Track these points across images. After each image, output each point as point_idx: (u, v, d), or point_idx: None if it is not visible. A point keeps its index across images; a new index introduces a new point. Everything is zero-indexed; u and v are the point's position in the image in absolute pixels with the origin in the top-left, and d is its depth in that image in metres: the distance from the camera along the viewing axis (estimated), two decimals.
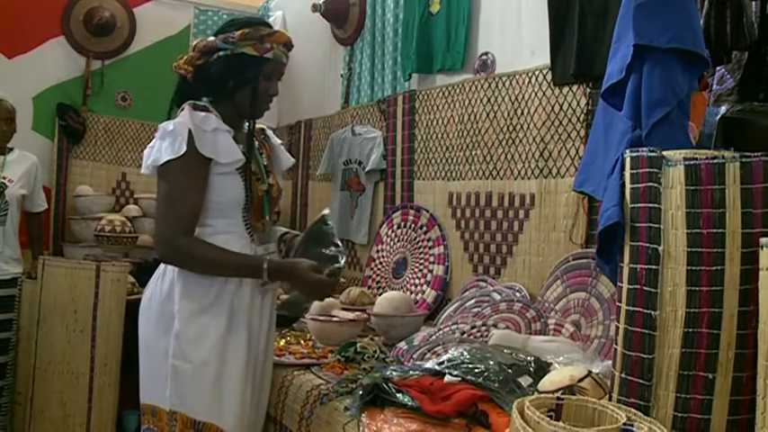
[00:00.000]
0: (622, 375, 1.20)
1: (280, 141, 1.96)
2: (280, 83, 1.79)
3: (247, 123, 1.78)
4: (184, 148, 1.58)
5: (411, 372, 1.61)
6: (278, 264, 1.67)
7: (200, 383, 1.62)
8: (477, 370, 1.51)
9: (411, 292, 2.70)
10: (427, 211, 2.78)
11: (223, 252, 1.63)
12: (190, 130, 1.59)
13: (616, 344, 1.24)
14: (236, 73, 1.68)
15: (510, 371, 1.52)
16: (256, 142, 1.80)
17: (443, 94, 2.72)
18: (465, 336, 1.98)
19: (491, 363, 1.54)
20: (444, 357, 1.63)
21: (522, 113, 2.32)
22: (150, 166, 1.65)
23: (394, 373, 1.60)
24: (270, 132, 1.93)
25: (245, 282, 1.67)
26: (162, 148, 1.61)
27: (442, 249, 2.67)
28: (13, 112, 3.21)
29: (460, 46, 2.62)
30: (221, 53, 1.66)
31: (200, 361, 1.62)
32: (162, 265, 1.73)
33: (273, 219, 1.81)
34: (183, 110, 1.66)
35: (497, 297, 2.20)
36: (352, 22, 3.40)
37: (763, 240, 1.04)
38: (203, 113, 1.64)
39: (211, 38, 1.70)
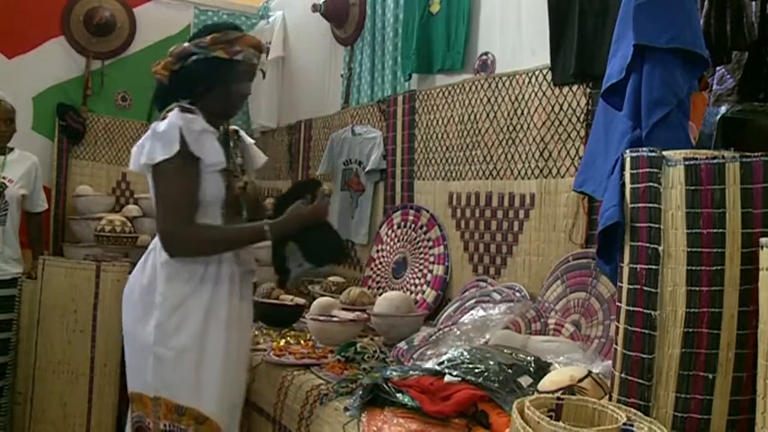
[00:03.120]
0: (622, 375, 1.20)
1: (252, 141, 2.11)
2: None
3: (223, 124, 1.91)
4: (177, 148, 1.67)
5: (411, 372, 1.61)
6: (275, 222, 1.79)
7: (181, 369, 1.72)
8: (477, 370, 1.51)
9: (411, 292, 2.70)
10: (427, 211, 2.78)
11: (228, 229, 1.79)
12: (181, 131, 1.68)
13: (616, 344, 1.24)
14: (209, 76, 1.79)
15: (510, 371, 1.52)
16: (231, 142, 1.92)
17: (443, 94, 2.72)
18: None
19: (491, 363, 1.54)
20: (444, 357, 1.63)
21: (522, 113, 2.32)
22: (142, 165, 1.72)
23: (394, 374, 1.60)
24: (242, 133, 2.05)
25: (223, 271, 1.78)
26: (156, 148, 1.69)
27: (442, 249, 2.67)
28: (12, 112, 3.21)
29: (460, 46, 2.62)
30: (195, 57, 1.77)
31: (180, 348, 1.71)
32: (143, 257, 1.83)
33: (256, 217, 1.91)
34: (171, 111, 1.75)
35: (497, 297, 2.20)
36: (352, 22, 3.40)
37: (763, 240, 1.04)
38: (191, 115, 1.74)
39: (186, 44, 1.81)
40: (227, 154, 1.83)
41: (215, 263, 1.77)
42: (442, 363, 1.60)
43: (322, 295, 2.69)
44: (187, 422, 1.71)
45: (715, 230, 1.10)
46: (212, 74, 1.78)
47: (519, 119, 2.33)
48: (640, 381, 1.16)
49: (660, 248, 1.15)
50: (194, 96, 1.80)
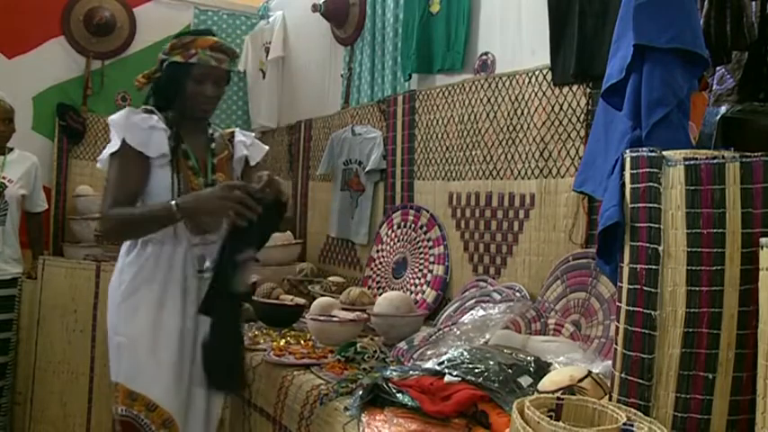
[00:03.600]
0: (622, 375, 1.20)
1: (252, 135, 2.17)
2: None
3: (202, 124, 2.00)
4: (119, 143, 1.81)
5: (411, 372, 1.61)
6: (183, 198, 1.77)
7: (134, 356, 1.79)
8: (477, 370, 1.51)
9: (411, 292, 2.70)
10: (427, 211, 2.78)
11: (140, 208, 1.82)
12: (123, 128, 1.81)
13: (616, 344, 1.24)
14: (170, 80, 1.89)
15: (510, 371, 1.52)
16: (214, 144, 1.99)
17: (443, 94, 2.72)
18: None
19: (491, 363, 1.54)
20: (444, 357, 1.63)
21: (522, 113, 2.32)
22: (100, 161, 1.88)
23: (394, 374, 1.60)
24: (240, 135, 2.11)
25: (176, 262, 1.83)
26: (108, 146, 1.85)
27: (442, 249, 2.67)
28: (11, 111, 3.21)
29: (460, 46, 2.62)
30: (164, 65, 1.90)
31: (134, 334, 1.79)
32: None
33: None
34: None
35: (497, 297, 2.20)
36: (352, 22, 3.40)
37: (763, 240, 1.04)
38: (144, 114, 1.87)
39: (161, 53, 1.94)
40: (175, 150, 1.86)
41: (168, 250, 1.83)
42: (442, 363, 1.59)
43: (322, 295, 2.69)
44: (139, 408, 1.77)
45: (715, 230, 1.10)
46: (172, 78, 1.88)
47: (519, 119, 2.33)
48: (640, 381, 1.16)
49: (660, 248, 1.15)
50: (166, 101, 1.91)
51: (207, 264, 1.87)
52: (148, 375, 1.78)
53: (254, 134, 2.19)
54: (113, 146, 1.82)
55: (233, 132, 2.11)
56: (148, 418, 1.76)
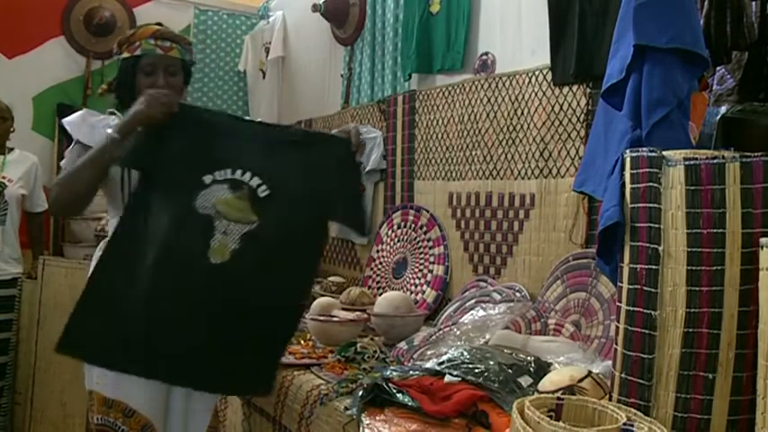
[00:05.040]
0: (622, 375, 1.20)
1: None
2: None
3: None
4: (73, 140, 1.77)
5: (411, 372, 1.61)
6: (117, 122, 1.68)
7: None
8: (477, 370, 1.51)
9: (411, 292, 2.70)
10: (427, 211, 2.78)
11: (80, 159, 1.69)
12: (73, 126, 1.77)
13: (616, 344, 1.24)
14: (121, 78, 1.83)
15: (510, 371, 1.52)
16: None
17: (443, 94, 2.72)
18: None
19: (491, 363, 1.54)
20: (444, 357, 1.63)
21: (523, 113, 2.32)
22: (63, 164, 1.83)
23: (394, 374, 1.60)
24: None
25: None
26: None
27: (442, 249, 2.68)
28: (5, 110, 3.21)
29: (460, 46, 2.62)
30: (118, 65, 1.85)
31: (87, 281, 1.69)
32: None
33: None
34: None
35: (497, 297, 2.20)
36: (352, 22, 3.40)
37: (763, 240, 1.04)
38: (102, 116, 1.82)
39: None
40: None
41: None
42: (442, 363, 1.59)
43: (322, 295, 2.69)
44: (115, 415, 1.70)
45: (715, 230, 1.10)
46: (122, 76, 1.83)
47: (519, 119, 2.33)
48: (640, 381, 1.17)
49: (660, 248, 1.15)
50: (126, 99, 1.80)
51: None
52: (123, 381, 1.68)
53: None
54: (71, 144, 1.79)
55: None
56: (126, 425, 1.70)
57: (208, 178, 1.64)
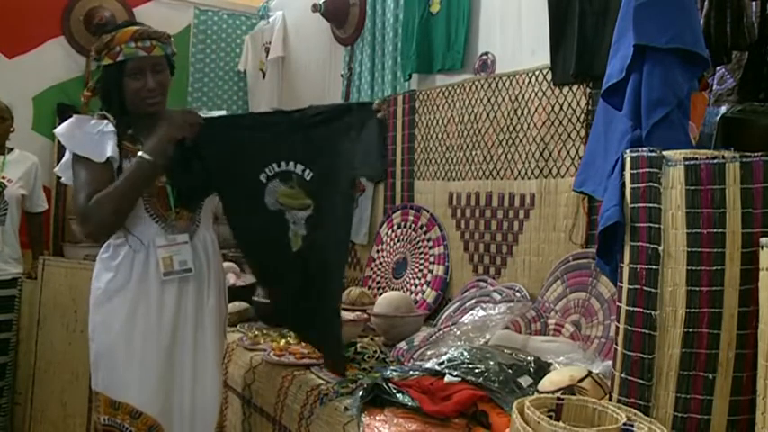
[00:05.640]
0: (622, 375, 1.20)
1: None
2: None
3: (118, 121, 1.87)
4: (69, 154, 1.78)
5: (411, 372, 1.61)
6: (148, 143, 1.71)
7: (112, 364, 1.74)
8: (477, 370, 1.51)
9: (411, 292, 2.70)
10: (427, 211, 2.78)
11: (112, 184, 1.70)
12: (64, 137, 1.78)
13: (616, 344, 1.24)
14: (108, 85, 1.82)
15: (510, 371, 1.52)
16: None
17: (443, 94, 2.72)
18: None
19: (491, 363, 1.54)
20: (444, 357, 1.63)
21: (523, 113, 2.32)
22: (58, 172, 1.86)
23: (394, 374, 1.60)
24: None
25: (150, 265, 1.77)
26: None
27: (442, 249, 2.68)
28: (5, 110, 3.20)
29: (460, 46, 2.62)
30: (98, 71, 1.85)
31: (109, 343, 1.74)
32: None
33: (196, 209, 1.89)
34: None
35: (497, 297, 2.20)
36: (352, 22, 3.40)
37: (763, 240, 1.04)
38: (94, 120, 1.80)
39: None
40: (120, 151, 1.78)
41: (141, 253, 1.77)
42: (442, 363, 1.59)
43: None
44: (122, 417, 1.71)
45: (715, 230, 1.10)
46: (109, 83, 1.81)
47: (519, 119, 2.33)
48: (640, 381, 1.17)
49: (660, 248, 1.15)
50: (115, 104, 1.82)
51: (177, 266, 1.80)
52: (129, 383, 1.72)
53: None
54: (67, 157, 1.80)
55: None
56: (133, 426, 1.71)
57: (263, 177, 1.76)
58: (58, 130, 1.80)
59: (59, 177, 1.90)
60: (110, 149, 1.74)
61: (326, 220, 1.77)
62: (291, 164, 1.76)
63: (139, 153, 1.68)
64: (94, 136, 1.76)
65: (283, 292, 1.85)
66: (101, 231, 1.75)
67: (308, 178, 1.76)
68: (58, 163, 1.94)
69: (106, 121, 1.79)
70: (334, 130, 1.79)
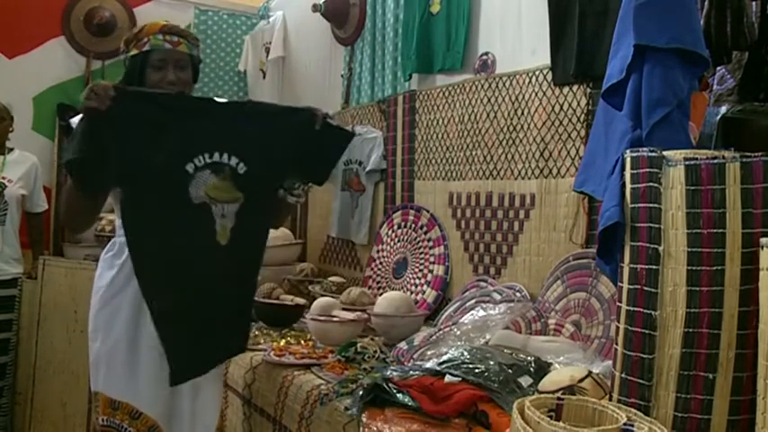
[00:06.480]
0: (622, 375, 1.20)
1: None
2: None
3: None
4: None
5: (411, 372, 1.61)
6: None
7: (113, 364, 1.72)
8: (477, 370, 1.51)
9: (411, 292, 2.70)
10: (427, 212, 2.78)
11: None
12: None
13: (616, 344, 1.24)
14: (131, 75, 1.81)
15: (510, 371, 1.52)
16: None
17: (444, 94, 2.72)
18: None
19: (491, 363, 1.54)
20: (445, 357, 1.63)
21: (523, 113, 2.32)
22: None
23: (394, 374, 1.60)
24: None
25: None
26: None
27: (443, 249, 2.68)
28: (4, 110, 3.20)
29: (461, 46, 2.62)
30: (125, 63, 1.84)
31: (111, 344, 1.72)
32: None
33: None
34: None
35: (498, 297, 2.20)
36: (353, 22, 3.40)
37: (763, 240, 1.04)
38: None
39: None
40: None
41: None
42: (442, 363, 1.60)
43: (322, 295, 2.69)
44: (122, 417, 1.70)
45: (715, 230, 1.10)
46: (132, 72, 1.81)
47: (519, 119, 2.33)
48: (640, 381, 1.17)
49: (660, 248, 1.15)
50: None
51: None
52: (129, 383, 1.71)
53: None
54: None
55: None
56: (132, 427, 1.70)
57: (190, 167, 1.67)
58: (75, 119, 1.76)
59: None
60: None
61: (254, 214, 1.75)
62: (225, 155, 1.70)
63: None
64: None
65: (197, 292, 1.71)
66: (68, 222, 1.75)
67: (241, 172, 1.72)
68: (58, 163, 1.94)
69: None
70: (279, 130, 1.77)
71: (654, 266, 1.15)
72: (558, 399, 1.17)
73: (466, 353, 1.61)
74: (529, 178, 2.29)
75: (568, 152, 2.13)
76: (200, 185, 1.68)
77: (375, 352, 2.01)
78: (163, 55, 1.79)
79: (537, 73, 2.26)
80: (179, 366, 1.68)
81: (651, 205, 1.17)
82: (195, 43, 1.88)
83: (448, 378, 1.51)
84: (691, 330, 1.11)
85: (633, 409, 1.13)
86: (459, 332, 1.90)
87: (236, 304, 1.81)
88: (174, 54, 1.81)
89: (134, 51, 1.80)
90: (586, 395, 1.28)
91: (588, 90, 2.07)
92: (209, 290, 1.72)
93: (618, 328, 1.24)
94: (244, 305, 1.86)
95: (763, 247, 1.03)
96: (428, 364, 1.64)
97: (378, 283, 2.95)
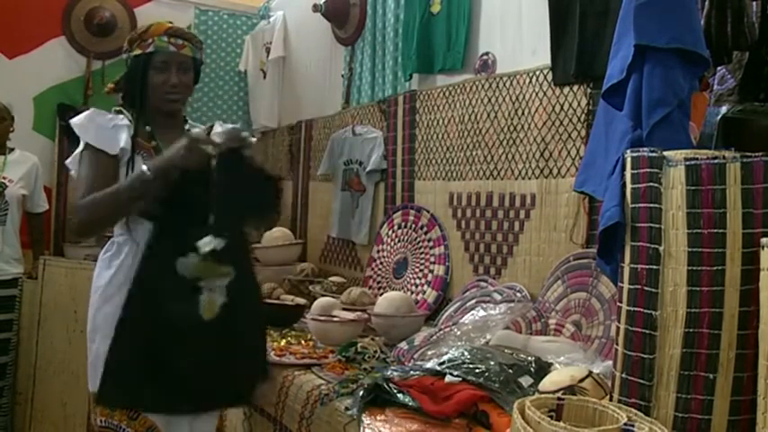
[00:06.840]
0: (623, 375, 1.20)
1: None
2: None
3: (175, 117, 1.89)
4: (82, 145, 1.75)
5: (412, 372, 1.61)
6: (152, 161, 1.65)
7: None
8: (477, 370, 1.51)
9: (412, 293, 2.70)
10: (428, 212, 2.78)
11: (111, 187, 1.65)
12: (81, 128, 1.75)
13: (617, 344, 1.24)
14: (133, 75, 1.82)
15: (511, 371, 1.52)
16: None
17: (444, 94, 2.72)
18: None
19: (492, 363, 1.54)
20: (445, 357, 1.63)
21: (523, 113, 2.32)
22: (69, 164, 1.82)
23: (395, 374, 1.60)
24: (219, 127, 1.82)
25: None
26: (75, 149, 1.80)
27: (443, 249, 2.67)
28: (4, 110, 3.21)
29: (461, 46, 2.62)
30: (127, 63, 1.84)
31: (108, 346, 1.67)
32: None
33: None
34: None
35: (498, 297, 2.20)
36: (353, 22, 3.40)
37: (763, 240, 1.04)
38: (110, 114, 1.80)
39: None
40: (134, 145, 1.76)
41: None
42: (442, 363, 1.59)
43: (323, 295, 2.69)
44: (120, 418, 1.69)
45: (716, 230, 1.10)
46: (134, 73, 1.81)
47: (519, 119, 2.33)
48: (641, 381, 1.17)
49: (661, 248, 1.15)
50: (136, 96, 1.81)
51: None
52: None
53: (238, 125, 2.01)
54: (79, 148, 1.77)
55: (212, 126, 1.91)
56: (131, 427, 1.69)
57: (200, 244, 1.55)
58: (74, 120, 1.79)
59: (68, 171, 1.88)
60: (122, 141, 1.75)
61: (250, 283, 1.68)
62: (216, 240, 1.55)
63: (143, 167, 1.61)
64: (109, 128, 1.77)
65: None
66: (85, 229, 1.73)
67: (219, 248, 1.54)
68: (58, 163, 1.94)
69: (122, 116, 1.81)
70: (233, 188, 1.60)
71: (654, 266, 1.15)
72: (559, 399, 1.17)
73: (466, 353, 1.61)
74: (529, 178, 2.29)
75: (569, 152, 2.13)
76: (185, 265, 1.58)
77: (375, 352, 2.01)
78: (166, 57, 1.80)
79: (537, 73, 2.26)
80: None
81: (651, 205, 1.17)
82: (199, 46, 1.90)
83: (448, 378, 1.51)
84: (691, 330, 1.11)
85: (633, 410, 1.13)
86: (459, 332, 1.90)
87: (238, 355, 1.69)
88: (178, 57, 1.82)
89: (137, 51, 1.80)
90: (587, 395, 1.28)
91: (588, 90, 2.07)
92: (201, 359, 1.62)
93: (618, 328, 1.23)
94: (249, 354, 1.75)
95: (763, 248, 1.03)
96: (428, 365, 1.64)
97: (378, 283, 2.95)
